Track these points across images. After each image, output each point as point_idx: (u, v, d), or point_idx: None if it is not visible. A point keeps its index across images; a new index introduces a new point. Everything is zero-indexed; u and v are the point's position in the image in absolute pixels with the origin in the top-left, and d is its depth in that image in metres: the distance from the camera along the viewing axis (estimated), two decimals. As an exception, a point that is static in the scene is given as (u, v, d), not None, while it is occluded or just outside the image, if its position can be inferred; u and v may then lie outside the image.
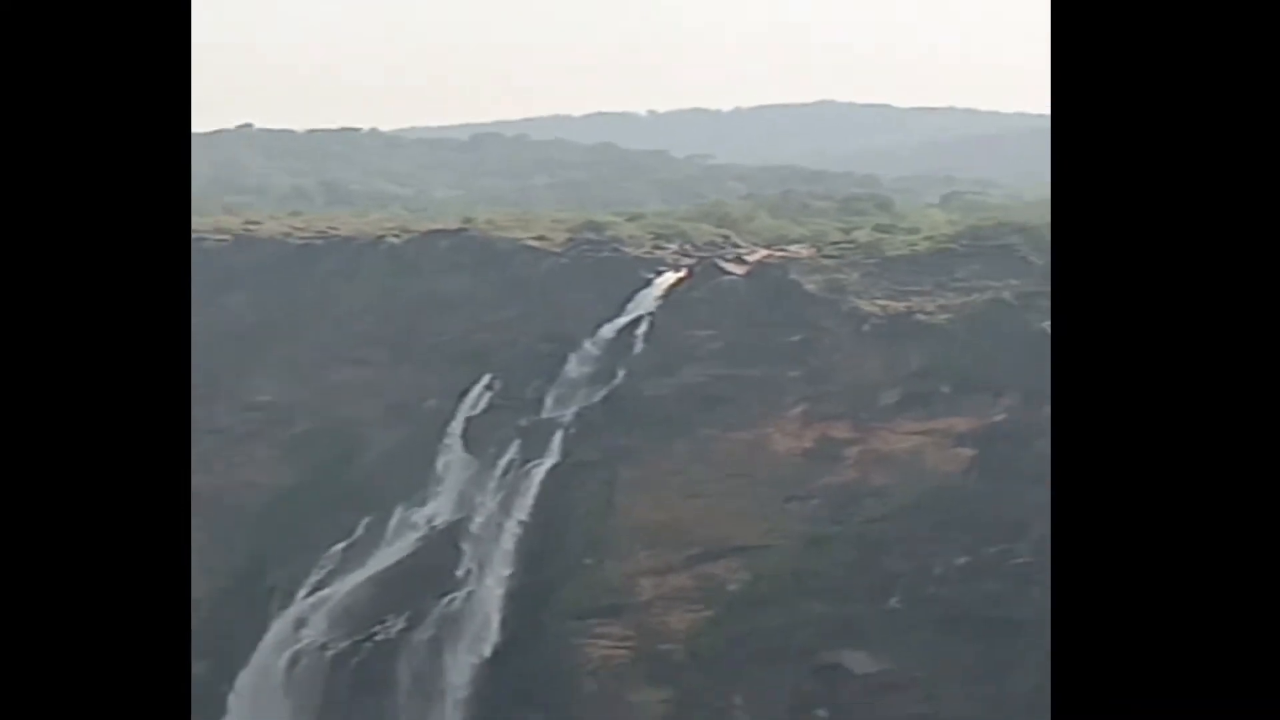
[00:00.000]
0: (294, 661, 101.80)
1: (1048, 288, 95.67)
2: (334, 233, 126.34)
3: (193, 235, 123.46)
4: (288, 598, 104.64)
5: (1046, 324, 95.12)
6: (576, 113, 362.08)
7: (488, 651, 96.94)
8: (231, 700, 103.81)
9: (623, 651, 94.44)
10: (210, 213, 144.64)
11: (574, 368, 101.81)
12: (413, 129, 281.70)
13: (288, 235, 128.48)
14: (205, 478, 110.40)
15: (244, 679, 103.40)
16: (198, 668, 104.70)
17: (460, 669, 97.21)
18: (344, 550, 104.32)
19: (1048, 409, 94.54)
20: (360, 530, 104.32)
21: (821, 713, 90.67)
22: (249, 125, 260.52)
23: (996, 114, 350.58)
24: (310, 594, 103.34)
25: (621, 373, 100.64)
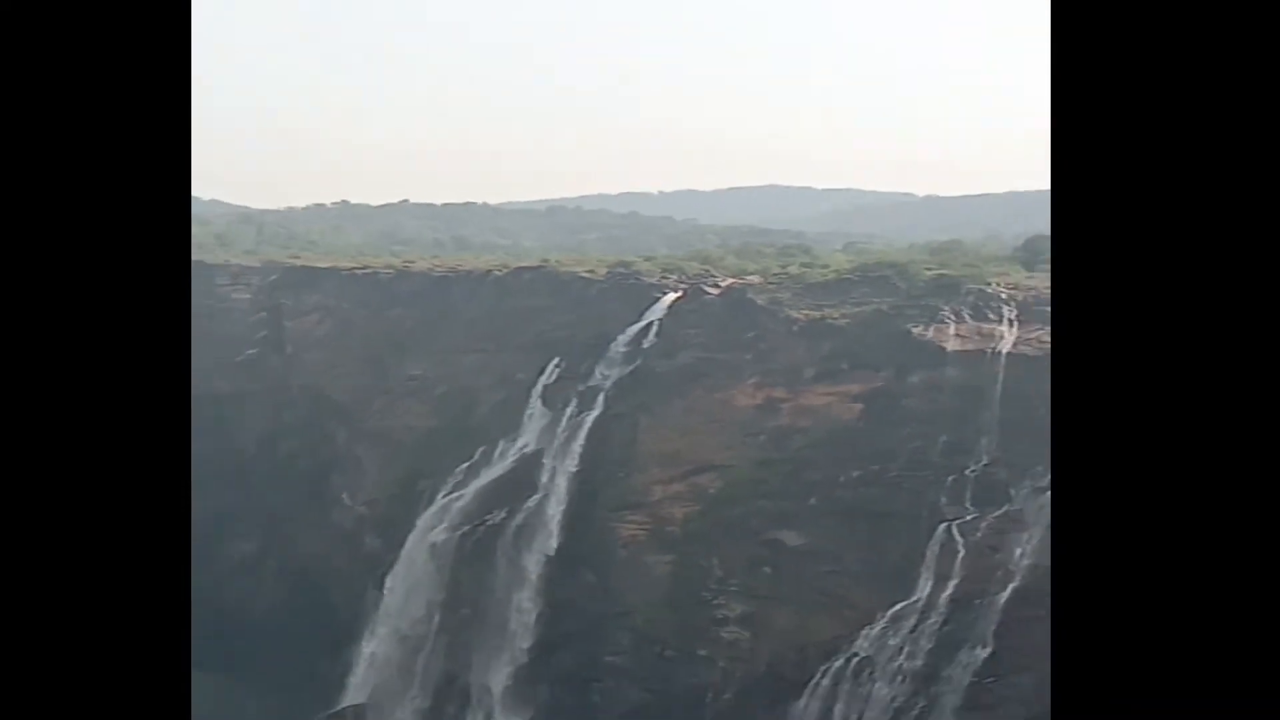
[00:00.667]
0: (435, 541, 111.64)
1: (911, 303, 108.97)
2: (460, 269, 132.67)
3: (367, 270, 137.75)
4: (431, 499, 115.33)
5: (910, 326, 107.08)
6: (612, 191, 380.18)
7: (555, 532, 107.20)
8: (396, 566, 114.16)
9: (642, 532, 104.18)
10: (381, 255, 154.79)
11: (611, 353, 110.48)
12: (510, 202, 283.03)
13: (430, 270, 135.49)
14: (381, 422, 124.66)
15: (403, 552, 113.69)
16: (373, 544, 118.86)
17: (539, 543, 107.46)
18: (466, 469, 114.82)
19: (911, 378, 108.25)
20: (477, 456, 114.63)
21: (766, 569, 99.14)
22: (406, 200, 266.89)
23: (877, 192, 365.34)
24: (445, 497, 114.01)
25: (640, 357, 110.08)
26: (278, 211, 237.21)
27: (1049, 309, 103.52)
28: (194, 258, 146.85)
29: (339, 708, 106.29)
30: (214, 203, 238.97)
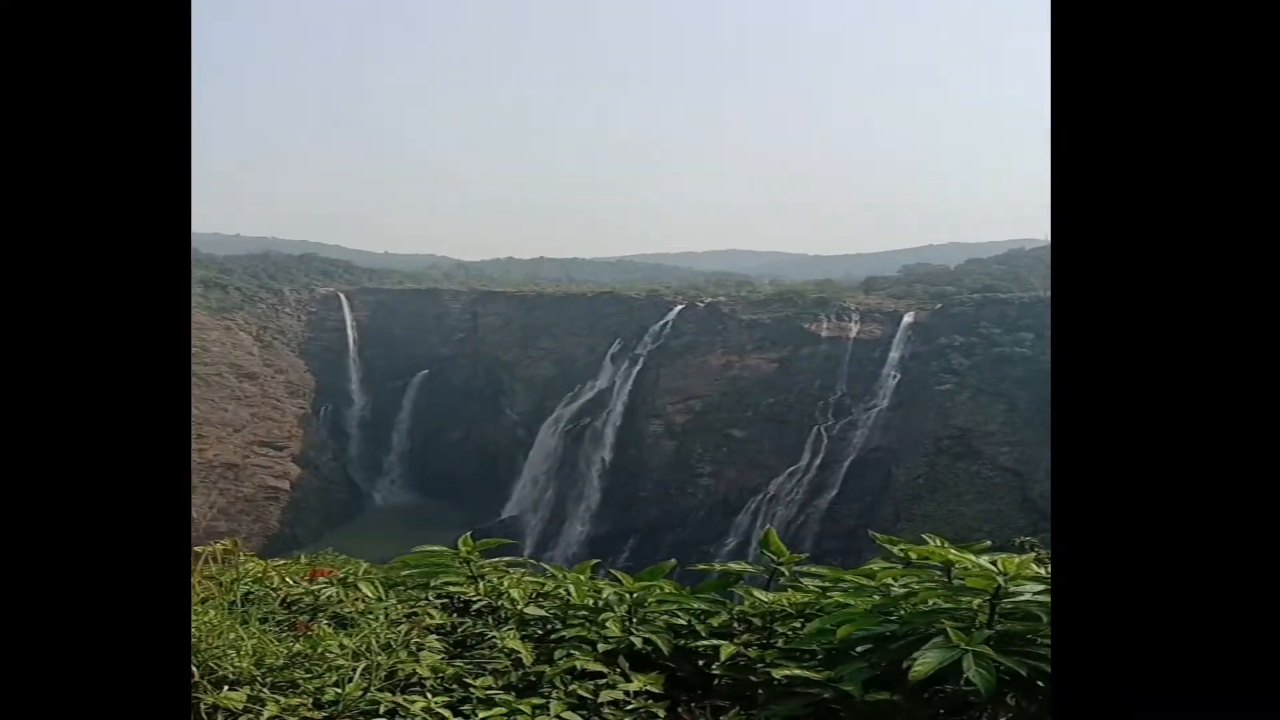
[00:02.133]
0: (553, 433, 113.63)
1: (804, 311, 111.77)
2: (570, 292, 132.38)
3: (522, 293, 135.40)
4: (551, 411, 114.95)
5: (803, 323, 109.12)
6: (649, 252, 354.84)
7: (616, 429, 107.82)
8: (533, 446, 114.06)
9: (660, 429, 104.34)
10: (528, 285, 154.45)
11: (647, 337, 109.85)
12: (596, 256, 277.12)
13: (554, 293, 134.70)
14: (527, 371, 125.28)
15: (537, 438, 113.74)
16: (521, 434, 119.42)
17: (607, 435, 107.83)
18: (569, 397, 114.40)
19: (803, 350, 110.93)
20: (576, 390, 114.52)
21: (724, 449, 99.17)
22: (541, 257, 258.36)
23: (789, 253, 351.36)
24: (560, 409, 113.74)
25: (662, 339, 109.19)
26: (476, 262, 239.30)
27: (878, 314, 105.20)
28: (437, 287, 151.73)
29: (501, 517, 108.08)
30: (443, 257, 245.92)
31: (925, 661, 3.61)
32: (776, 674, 4.28)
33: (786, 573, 5.41)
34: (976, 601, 4.08)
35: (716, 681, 4.74)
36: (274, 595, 5.84)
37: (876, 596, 4.62)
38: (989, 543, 4.69)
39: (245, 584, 5.87)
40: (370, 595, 5.79)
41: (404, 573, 6.03)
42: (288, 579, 6.15)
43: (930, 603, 4.18)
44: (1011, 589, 4.11)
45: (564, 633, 5.05)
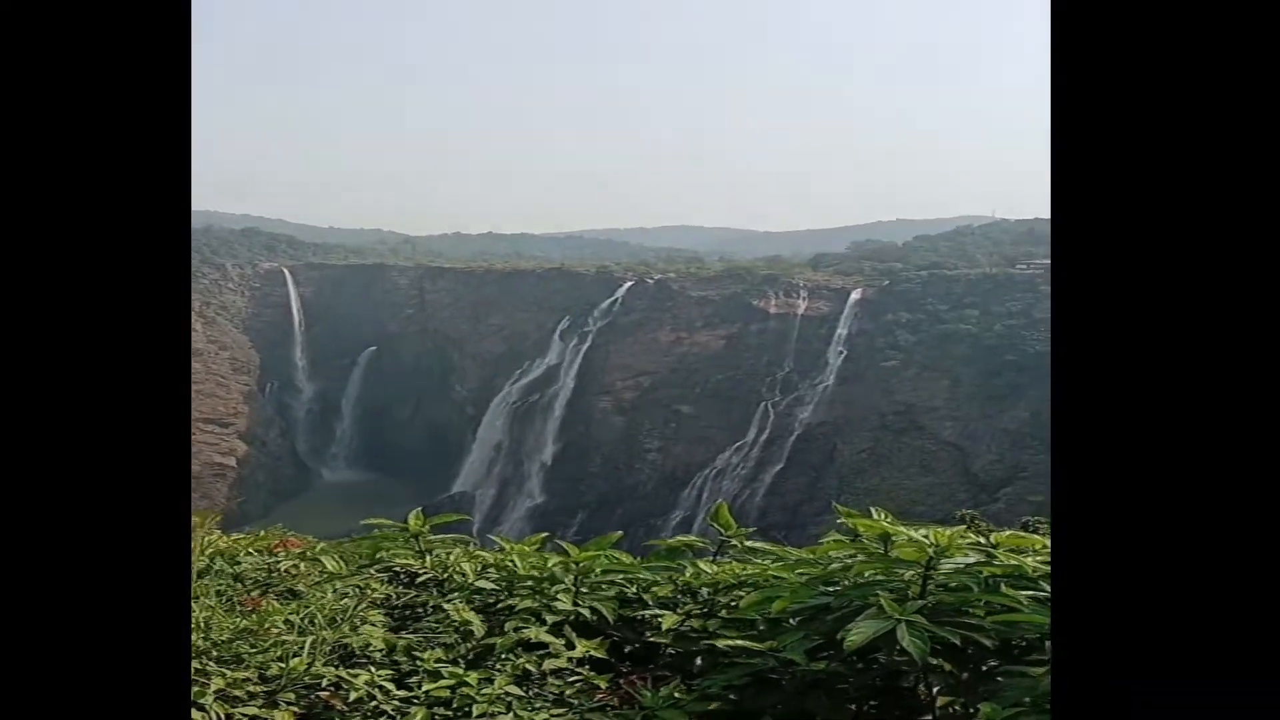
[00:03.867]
0: (502, 409, 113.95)
1: (752, 288, 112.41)
2: (519, 268, 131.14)
3: (470, 269, 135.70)
4: (500, 388, 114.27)
5: (751, 300, 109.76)
6: (599, 227, 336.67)
7: (564, 405, 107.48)
8: (482, 422, 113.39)
9: (609, 405, 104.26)
10: (476, 262, 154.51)
11: (596, 313, 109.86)
12: (547, 233, 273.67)
13: (502, 269, 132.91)
14: (476, 347, 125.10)
15: (485, 415, 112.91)
16: (471, 410, 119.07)
17: (556, 410, 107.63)
18: (519, 373, 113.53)
19: (751, 327, 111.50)
20: (525, 366, 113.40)
21: (672, 425, 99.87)
22: (490, 231, 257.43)
23: (738, 229, 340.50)
24: (508, 386, 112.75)
25: (611, 315, 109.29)
26: (423, 237, 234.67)
27: (826, 291, 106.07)
28: (383, 262, 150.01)
29: (450, 492, 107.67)
30: (390, 232, 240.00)
31: (860, 631, 3.70)
32: (719, 644, 4.36)
33: (739, 545, 5.50)
34: (910, 574, 4.15)
35: (660, 651, 4.81)
36: (228, 569, 5.83)
37: (818, 568, 4.70)
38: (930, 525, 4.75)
39: (203, 558, 5.87)
40: (333, 569, 5.80)
41: (347, 546, 6.05)
42: (248, 552, 6.17)
43: (866, 575, 4.26)
44: (946, 561, 4.16)
45: (512, 603, 5.10)
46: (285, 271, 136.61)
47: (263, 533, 6.80)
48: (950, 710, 3.91)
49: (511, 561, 5.63)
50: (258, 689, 4.20)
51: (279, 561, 5.87)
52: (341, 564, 5.85)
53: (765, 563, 5.17)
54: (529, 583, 5.28)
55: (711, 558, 5.49)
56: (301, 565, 5.78)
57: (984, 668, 3.92)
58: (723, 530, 5.54)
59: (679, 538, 5.51)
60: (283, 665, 4.31)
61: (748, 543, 5.54)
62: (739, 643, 4.31)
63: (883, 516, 4.66)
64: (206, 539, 6.23)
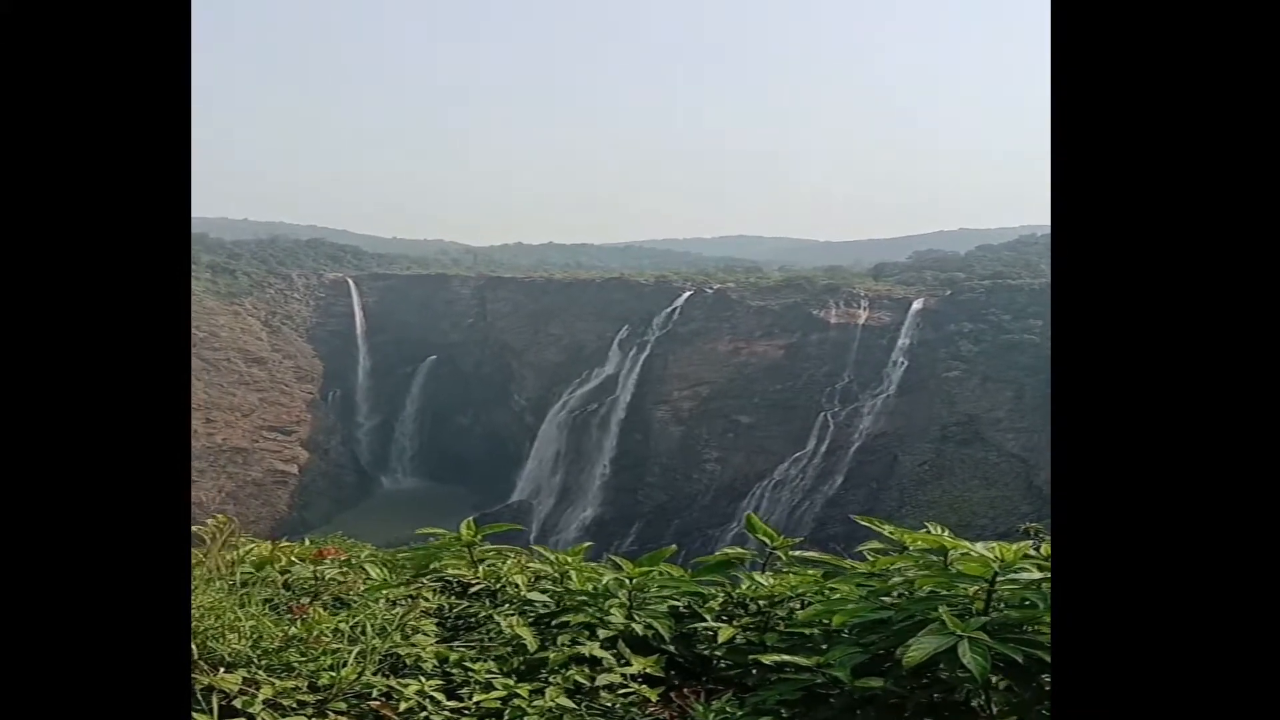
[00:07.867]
0: (560, 419, 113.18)
1: (812, 298, 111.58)
2: (579, 278, 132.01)
3: (531, 278, 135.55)
4: (559, 397, 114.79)
5: (811, 310, 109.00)
6: (659, 237, 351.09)
7: (622, 415, 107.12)
8: (540, 431, 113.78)
9: (667, 414, 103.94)
10: (538, 271, 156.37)
11: (655, 323, 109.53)
12: (607, 243, 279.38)
13: (563, 279, 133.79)
14: (536, 357, 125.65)
15: (543, 424, 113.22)
16: (530, 420, 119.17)
17: (614, 420, 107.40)
18: (576, 385, 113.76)
19: (811, 337, 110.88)
20: (583, 376, 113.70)
21: (730, 435, 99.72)
22: (550, 241, 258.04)
23: (798, 239, 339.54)
24: (567, 396, 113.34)
25: (670, 325, 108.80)
26: (484, 247, 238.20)
27: (887, 300, 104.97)
28: (445, 272, 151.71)
29: (509, 501, 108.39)
30: (451, 243, 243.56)
31: (920, 647, 3.61)
32: (766, 659, 4.29)
33: (784, 556, 5.42)
34: (973, 589, 4.06)
35: (712, 664, 4.74)
36: (278, 578, 5.84)
37: (875, 581, 4.60)
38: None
39: (247, 566, 5.86)
40: (376, 577, 5.80)
41: (402, 555, 6.06)
42: (293, 560, 6.15)
43: (927, 589, 4.17)
44: (1009, 577, 4.09)
45: (567, 618, 5.07)
46: (349, 281, 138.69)
47: (306, 541, 6.81)
48: (1008, 728, 3.81)
49: (566, 574, 5.60)
50: (308, 698, 4.19)
51: (325, 569, 5.88)
52: (386, 572, 5.83)
53: (815, 573, 5.08)
54: (581, 597, 5.25)
55: (760, 569, 5.41)
56: (350, 575, 5.78)
57: (1046, 686, 3.83)
58: (768, 541, 5.46)
59: (723, 550, 5.44)
60: (333, 674, 4.30)
61: (793, 552, 5.45)
62: (785, 658, 4.23)
63: (941, 531, 4.58)
64: (244, 548, 6.20)
